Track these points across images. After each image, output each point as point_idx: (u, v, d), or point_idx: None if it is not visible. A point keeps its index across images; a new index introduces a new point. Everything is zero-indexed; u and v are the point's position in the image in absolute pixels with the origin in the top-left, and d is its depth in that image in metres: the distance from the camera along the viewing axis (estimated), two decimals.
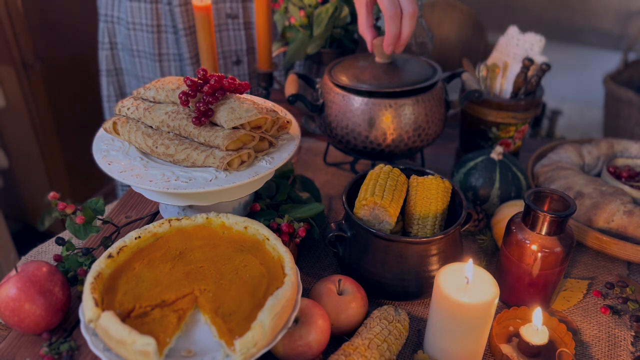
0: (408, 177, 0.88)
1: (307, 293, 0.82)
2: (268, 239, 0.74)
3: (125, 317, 0.64)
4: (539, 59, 1.08)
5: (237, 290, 0.67)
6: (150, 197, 0.80)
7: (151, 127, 0.81)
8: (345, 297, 0.75)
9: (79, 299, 0.75)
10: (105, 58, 1.53)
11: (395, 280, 0.78)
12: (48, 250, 0.90)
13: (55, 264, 0.78)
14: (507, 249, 0.79)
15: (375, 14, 1.18)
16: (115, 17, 1.46)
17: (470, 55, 1.50)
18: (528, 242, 0.76)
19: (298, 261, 0.90)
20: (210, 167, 0.76)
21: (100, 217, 0.82)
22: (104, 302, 0.65)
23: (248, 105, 0.78)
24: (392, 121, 0.93)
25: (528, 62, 1.03)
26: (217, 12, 1.42)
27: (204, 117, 0.77)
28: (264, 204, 0.88)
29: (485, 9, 2.58)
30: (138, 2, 1.37)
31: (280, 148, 0.82)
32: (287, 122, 0.84)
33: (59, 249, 0.87)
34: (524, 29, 1.15)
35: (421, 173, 0.88)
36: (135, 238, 0.73)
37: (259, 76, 1.20)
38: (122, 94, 1.60)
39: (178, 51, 1.44)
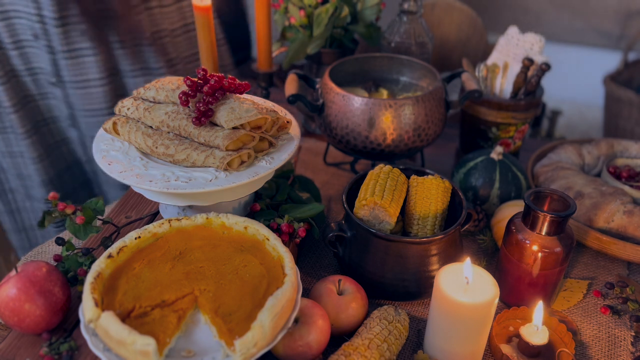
0: (408, 177, 0.88)
1: (307, 293, 0.82)
2: (268, 239, 0.74)
3: (125, 317, 0.64)
4: (539, 59, 1.08)
5: (237, 290, 0.67)
6: (150, 197, 0.80)
7: (151, 127, 0.81)
8: (345, 297, 0.75)
9: (79, 299, 0.75)
10: None
11: (395, 280, 0.78)
12: (48, 250, 0.89)
13: (55, 264, 0.78)
14: (507, 249, 0.79)
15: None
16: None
17: (470, 55, 1.50)
18: (528, 242, 0.76)
19: (298, 261, 0.90)
20: (210, 167, 0.76)
21: (100, 217, 0.82)
22: (104, 302, 0.65)
23: (248, 106, 0.78)
24: (392, 121, 0.93)
25: (528, 62, 1.03)
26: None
27: (204, 117, 0.77)
28: (264, 204, 0.88)
29: (485, 9, 2.58)
30: None
31: (280, 148, 0.82)
32: (287, 122, 0.84)
33: (59, 249, 0.87)
34: (524, 29, 1.14)
35: (421, 173, 0.88)
36: (135, 238, 0.73)
37: (259, 76, 1.20)
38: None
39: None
